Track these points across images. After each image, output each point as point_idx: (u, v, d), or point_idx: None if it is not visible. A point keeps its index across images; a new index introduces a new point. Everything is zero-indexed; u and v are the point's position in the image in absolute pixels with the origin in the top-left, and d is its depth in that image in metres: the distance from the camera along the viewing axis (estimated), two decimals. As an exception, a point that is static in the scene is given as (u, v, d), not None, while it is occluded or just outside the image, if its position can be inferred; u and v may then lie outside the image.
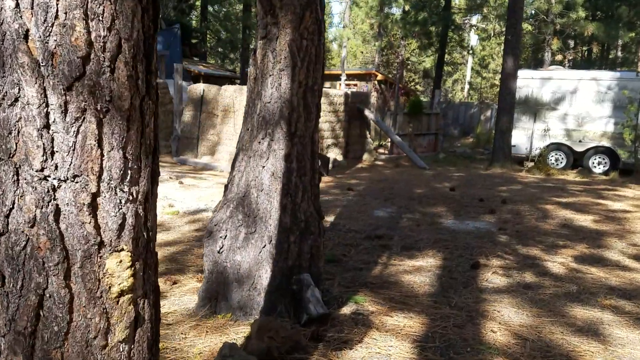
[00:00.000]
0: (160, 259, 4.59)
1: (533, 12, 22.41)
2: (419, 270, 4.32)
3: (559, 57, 21.13)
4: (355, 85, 22.33)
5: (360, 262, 4.54)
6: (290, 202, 3.22)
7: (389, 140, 14.42)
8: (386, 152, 15.19)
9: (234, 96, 10.81)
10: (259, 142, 3.23)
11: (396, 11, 28.60)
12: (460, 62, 47.75)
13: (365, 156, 13.18)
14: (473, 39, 34.73)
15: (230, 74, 27.70)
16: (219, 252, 3.24)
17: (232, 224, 3.25)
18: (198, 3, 38.23)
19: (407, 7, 24.72)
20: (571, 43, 24.56)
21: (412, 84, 36.43)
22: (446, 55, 43.89)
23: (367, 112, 12.84)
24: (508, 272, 4.30)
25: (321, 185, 8.44)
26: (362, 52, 39.34)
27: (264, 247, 3.16)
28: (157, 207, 1.50)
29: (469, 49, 30.24)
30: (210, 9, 36.03)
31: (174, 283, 3.86)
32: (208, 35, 40.46)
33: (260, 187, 3.21)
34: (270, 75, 3.19)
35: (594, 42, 21.39)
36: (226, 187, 3.44)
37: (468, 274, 4.22)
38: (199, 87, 11.60)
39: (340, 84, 21.43)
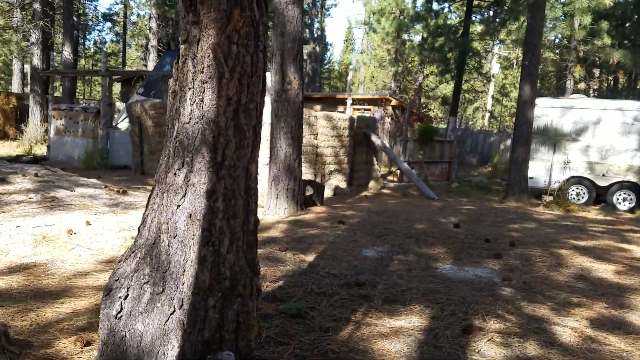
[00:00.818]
0: (87, 307, 3.87)
1: (555, 38, 21.61)
2: (398, 334, 3.50)
3: (581, 85, 20.19)
4: (369, 110, 21.65)
5: (329, 319, 3.75)
6: (212, 253, 2.46)
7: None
8: (396, 179, 14.40)
9: (229, 118, 10.18)
10: (175, 174, 2.50)
11: (414, 37, 28.08)
12: (481, 90, 47.06)
13: (372, 184, 12.40)
14: (495, 67, 34.02)
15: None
16: (116, 317, 2.49)
17: (137, 280, 2.51)
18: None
19: (425, 34, 24.15)
20: (596, 72, 23.62)
21: (430, 110, 35.70)
22: (467, 83, 43.24)
23: (373, 138, 12.11)
24: (507, 339, 3.46)
25: (311, 216, 7.67)
26: (372, 77, 38.80)
27: (172, 313, 2.40)
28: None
29: (489, 75, 29.45)
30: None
31: (86, 344, 3.12)
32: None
33: (174, 232, 2.47)
34: (190, 89, 2.47)
35: (620, 70, 20.40)
36: (139, 229, 2.71)
37: (457, 342, 3.40)
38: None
39: (345, 108, 20.84)
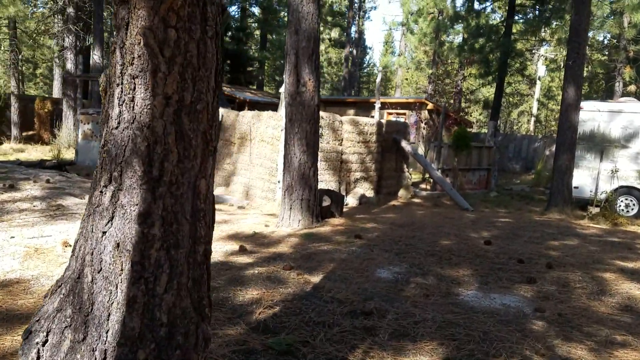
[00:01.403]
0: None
1: (604, 38, 20.36)
2: (401, 381, 2.92)
3: (631, 87, 18.89)
4: (403, 114, 20.93)
5: (322, 358, 3.19)
6: (145, 292, 1.96)
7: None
8: (429, 188, 13.67)
9: (251, 122, 9.77)
10: (101, 192, 2.02)
11: (454, 39, 27.16)
12: (526, 94, 45.45)
13: (401, 192, 11.74)
14: (541, 69, 32.64)
15: (277, 100, 26.97)
16: (28, 367, 2.01)
17: (58, 322, 2.03)
18: (258, 32, 38.36)
19: (465, 35, 23.25)
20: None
21: (468, 115, 34.52)
22: (510, 86, 41.76)
23: (404, 144, 11.45)
24: (535, 394, 2.82)
25: (326, 229, 7.11)
26: (411, 80, 37.84)
27: (91, 368, 1.91)
28: None
29: (533, 78, 28.18)
30: (270, 37, 35.95)
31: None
32: (267, 64, 40.45)
33: (98, 265, 1.98)
34: (118, 85, 1.98)
35: (675, 72, 18.98)
36: (70, 258, 2.24)
37: (472, 394, 2.79)
38: (218, 113, 10.63)
39: (373, 113, 20.20)
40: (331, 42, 49.91)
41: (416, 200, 11.66)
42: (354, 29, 41.81)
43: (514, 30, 21.63)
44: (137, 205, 1.95)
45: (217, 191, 10.17)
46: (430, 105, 20.54)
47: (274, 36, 35.52)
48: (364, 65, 63.06)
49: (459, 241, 6.44)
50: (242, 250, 5.47)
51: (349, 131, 10.24)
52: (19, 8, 15.76)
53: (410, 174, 12.47)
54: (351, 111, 21.88)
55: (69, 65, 18.32)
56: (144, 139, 1.94)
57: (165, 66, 1.93)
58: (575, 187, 10.94)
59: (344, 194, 10.12)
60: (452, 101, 28.65)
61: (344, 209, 9.43)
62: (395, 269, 5.12)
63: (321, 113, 9.87)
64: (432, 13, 24.17)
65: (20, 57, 23.52)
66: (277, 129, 9.08)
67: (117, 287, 1.95)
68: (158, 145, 1.96)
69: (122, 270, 1.95)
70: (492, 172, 15.71)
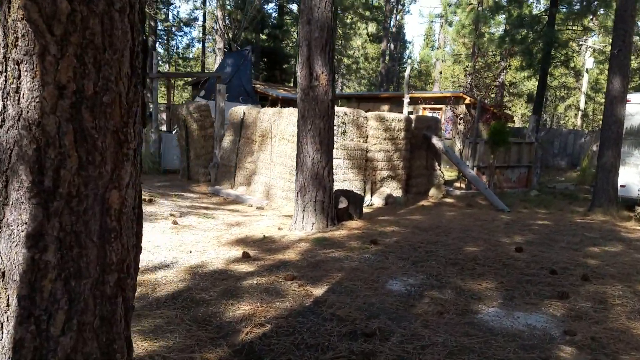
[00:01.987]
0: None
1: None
2: None
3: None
4: (439, 109, 20.15)
5: (306, 391, 2.75)
6: (36, 334, 1.56)
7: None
8: (463, 186, 12.98)
9: (272, 120, 9.37)
10: (-17, 207, 1.62)
11: (495, 30, 26.09)
12: (573, 87, 43.59)
13: (432, 192, 11.13)
14: (588, 61, 31.05)
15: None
16: None
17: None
18: (294, 29, 38.12)
19: (507, 26, 22.22)
20: None
21: (507, 109, 33.18)
22: (556, 79, 40.03)
23: (434, 140, 10.83)
24: None
25: (341, 233, 6.62)
26: (444, 74, 36.63)
27: None
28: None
29: (579, 70, 26.78)
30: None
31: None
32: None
33: (-21, 298, 1.59)
34: (1, 73, 1.58)
35: None
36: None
37: None
38: (240, 110, 10.30)
39: (414, 108, 19.53)
40: (369, 37, 49.15)
41: (448, 200, 11.01)
42: (392, 22, 40.96)
43: (557, 20, 20.49)
44: (25, 224, 1.55)
45: (239, 191, 9.84)
46: (468, 100, 19.69)
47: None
48: (403, 60, 61.98)
49: (487, 247, 5.85)
50: (245, 257, 5.07)
51: (375, 127, 9.71)
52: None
53: (442, 172, 11.83)
54: (385, 107, 21.25)
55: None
56: (33, 140, 1.54)
57: (56, 47, 1.52)
58: (621, 186, 10.07)
59: (368, 194, 9.61)
60: (493, 95, 27.57)
61: (368, 210, 8.93)
62: (410, 280, 4.61)
63: (344, 109, 9.39)
64: (471, 4, 23.23)
65: None
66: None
67: (1, 327, 1.56)
68: (51, 149, 1.55)
69: (7, 305, 1.56)
70: (533, 170, 14.84)
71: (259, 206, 8.70)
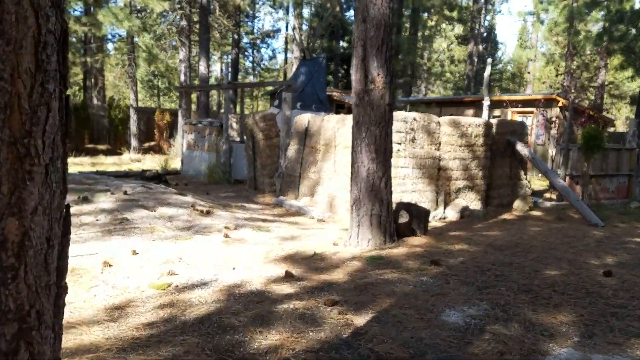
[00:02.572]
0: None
1: None
2: None
3: None
4: (531, 113, 18.77)
5: None
6: None
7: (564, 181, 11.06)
8: (554, 198, 11.83)
9: (335, 128, 8.97)
10: None
11: (592, 27, 24.04)
12: (688, 86, 39.64)
13: (517, 203, 10.17)
14: None
15: (399, 104, 25.90)
16: None
17: None
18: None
19: (606, 24, 20.34)
20: None
21: (613, 112, 30.47)
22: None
23: (519, 147, 9.89)
24: None
25: (401, 251, 6.01)
26: (538, 75, 34.24)
27: None
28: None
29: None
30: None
31: None
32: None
33: None
34: None
35: None
36: None
37: None
38: (305, 118, 9.99)
39: (502, 111, 18.28)
40: (457, 39, 47.48)
41: (535, 213, 10.01)
42: (481, 23, 39.29)
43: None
44: None
45: (302, 202, 9.51)
46: (561, 102, 18.18)
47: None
48: (496, 62, 59.30)
49: (570, 271, 5.03)
50: (288, 277, 4.67)
51: (449, 133, 9.00)
52: (134, 23, 16.58)
53: (530, 182, 10.80)
54: (470, 111, 20.17)
55: (182, 77, 19.05)
56: None
57: None
58: None
59: (441, 206, 8.91)
60: (592, 97, 25.43)
61: (440, 224, 8.25)
62: (470, 311, 3.98)
63: (413, 113, 8.78)
64: (565, 0, 21.56)
65: (151, 70, 25.01)
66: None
67: None
68: None
69: None
70: (634, 179, 13.29)
71: (320, 218, 8.30)
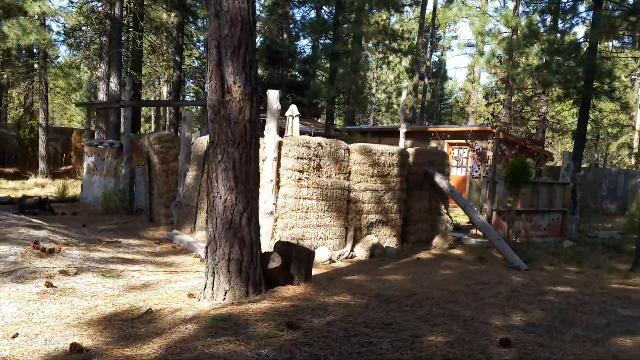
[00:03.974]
0: None
1: None
2: None
3: None
4: (467, 145, 18.24)
5: None
6: None
7: (491, 217, 10.20)
8: (481, 234, 10.98)
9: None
10: None
11: (530, 59, 24.09)
12: (626, 124, 40.76)
13: (437, 240, 9.24)
14: (642, 94, 28.46)
15: (333, 132, 25.09)
16: None
17: None
18: (327, 63, 37.24)
19: (546, 57, 20.22)
20: None
21: (548, 146, 30.62)
22: (607, 117, 37.23)
23: (437, 178, 9.01)
24: None
25: (264, 305, 4.57)
26: (472, 108, 34.34)
27: None
28: None
29: (625, 101, 24.30)
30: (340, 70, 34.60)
31: None
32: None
33: None
34: None
35: None
36: None
37: None
38: (205, 140, 8.80)
39: (439, 142, 17.62)
40: (408, 74, 47.67)
41: (456, 251, 9.08)
42: (428, 57, 39.41)
43: (600, 48, 18.43)
44: None
45: (197, 236, 8.28)
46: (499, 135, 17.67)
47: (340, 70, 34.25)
48: (444, 96, 59.95)
49: (460, 337, 3.96)
50: (75, 352, 3.40)
51: (359, 162, 8.01)
52: (43, 36, 15.17)
53: (451, 217, 9.91)
54: (408, 142, 19.48)
55: (101, 96, 17.60)
56: None
57: None
58: (677, 239, 7.93)
59: (349, 243, 7.84)
60: (534, 130, 25.35)
61: (343, 264, 7.17)
62: (302, 405, 2.83)
63: (318, 138, 7.77)
64: (504, 32, 21.44)
65: (53, 87, 23.25)
66: (263, 160, 7.12)
67: None
68: None
69: None
70: (572, 215, 12.67)
71: (204, 258, 7.07)
